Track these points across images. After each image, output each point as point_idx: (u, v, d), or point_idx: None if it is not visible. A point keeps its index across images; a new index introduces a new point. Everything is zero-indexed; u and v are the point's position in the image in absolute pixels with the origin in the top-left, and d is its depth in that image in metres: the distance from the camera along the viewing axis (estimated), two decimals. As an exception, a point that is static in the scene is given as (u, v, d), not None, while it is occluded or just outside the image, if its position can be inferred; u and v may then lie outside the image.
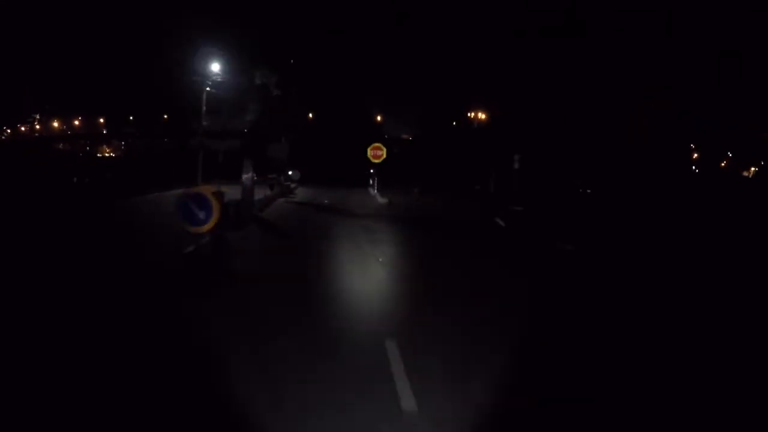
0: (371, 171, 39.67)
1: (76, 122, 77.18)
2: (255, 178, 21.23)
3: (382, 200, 29.69)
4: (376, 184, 35.72)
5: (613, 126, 46.65)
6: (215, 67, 32.68)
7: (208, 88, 32.04)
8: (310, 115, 62.35)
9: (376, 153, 35.26)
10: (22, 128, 75.66)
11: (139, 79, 59.76)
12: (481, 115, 56.14)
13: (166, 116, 66.96)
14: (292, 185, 37.05)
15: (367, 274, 10.97)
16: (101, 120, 75.83)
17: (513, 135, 45.14)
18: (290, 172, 38.89)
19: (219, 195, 13.37)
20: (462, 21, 51.65)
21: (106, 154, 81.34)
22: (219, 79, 33.21)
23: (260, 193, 25.83)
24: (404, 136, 63.17)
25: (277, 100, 36.88)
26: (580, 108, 46.15)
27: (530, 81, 47.87)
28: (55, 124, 77.56)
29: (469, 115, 58.02)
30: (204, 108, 32.51)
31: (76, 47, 62.91)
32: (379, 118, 62.34)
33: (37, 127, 77.46)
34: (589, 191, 32.48)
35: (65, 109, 75.45)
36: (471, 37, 51.48)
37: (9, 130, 74.58)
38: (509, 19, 51.10)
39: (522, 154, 32.24)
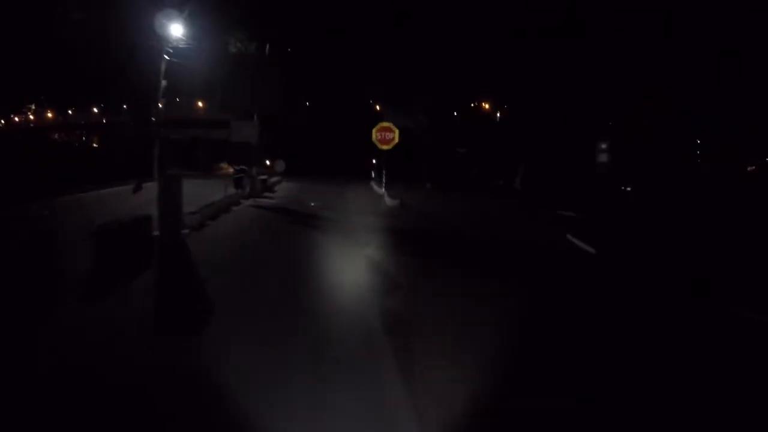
0: (374, 161, 32.90)
1: (70, 112, 73.03)
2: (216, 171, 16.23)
3: (391, 202, 22.21)
4: (383, 179, 26.30)
5: (614, 125, 44.11)
6: (177, 30, 24.52)
7: (167, 57, 24.63)
8: (307, 103, 57.92)
9: (385, 136, 25.35)
10: (16, 118, 71.41)
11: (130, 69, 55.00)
12: (486, 105, 52.61)
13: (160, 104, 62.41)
14: (273, 179, 29.48)
15: None
16: (95, 110, 71.78)
17: (534, 128, 41.34)
18: (276, 162, 32.54)
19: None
20: (462, 20, 48.29)
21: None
22: (182, 45, 25.18)
23: (221, 193, 19.25)
24: (408, 126, 58.43)
25: (254, 69, 30.27)
26: (584, 106, 43.15)
27: (531, 80, 44.90)
28: (50, 115, 73.32)
29: (477, 105, 54.23)
30: (163, 83, 24.74)
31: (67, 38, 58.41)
32: (378, 107, 56.55)
33: (31, 117, 73.13)
34: (629, 189, 26.59)
35: (60, 100, 71.07)
36: (471, 36, 48.26)
37: (3, 121, 70.45)
38: (509, 19, 47.95)
39: (608, 142, 25.31)
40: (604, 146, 23.57)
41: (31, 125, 71.28)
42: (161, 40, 25.04)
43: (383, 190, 25.64)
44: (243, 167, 23.51)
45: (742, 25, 42.12)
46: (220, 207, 17.37)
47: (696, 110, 44.43)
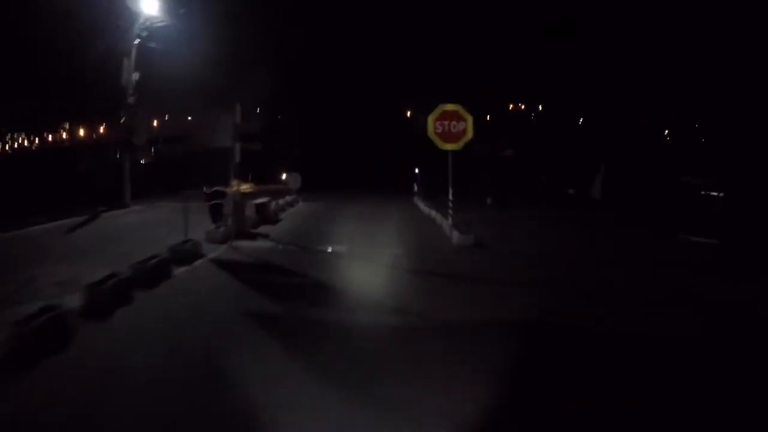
0: (416, 171, 24.49)
1: (101, 129, 74.19)
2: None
3: (460, 239, 13.17)
4: (450, 202, 14.54)
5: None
6: (152, 6, 18.25)
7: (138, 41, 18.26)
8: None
9: (451, 128, 14.10)
10: (49, 137, 72.76)
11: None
12: (522, 106, 50.37)
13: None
14: (283, 201, 20.65)
15: None
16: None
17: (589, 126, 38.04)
18: (291, 177, 25.67)
19: None
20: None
21: (141, 162, 77.77)
22: (160, 24, 18.82)
23: (197, 230, 12.10)
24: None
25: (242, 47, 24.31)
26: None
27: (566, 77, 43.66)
28: (81, 132, 74.53)
29: (514, 105, 51.70)
30: (134, 76, 18.43)
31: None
32: (408, 113, 50.27)
33: (65, 136, 74.38)
34: (721, 195, 19.30)
35: (92, 116, 72.04)
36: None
37: (37, 139, 71.93)
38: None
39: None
40: None
41: (65, 144, 72.34)
42: (130, 17, 18.25)
43: (449, 221, 14.68)
44: (217, 189, 14.37)
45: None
46: (140, 275, 8.45)
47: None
